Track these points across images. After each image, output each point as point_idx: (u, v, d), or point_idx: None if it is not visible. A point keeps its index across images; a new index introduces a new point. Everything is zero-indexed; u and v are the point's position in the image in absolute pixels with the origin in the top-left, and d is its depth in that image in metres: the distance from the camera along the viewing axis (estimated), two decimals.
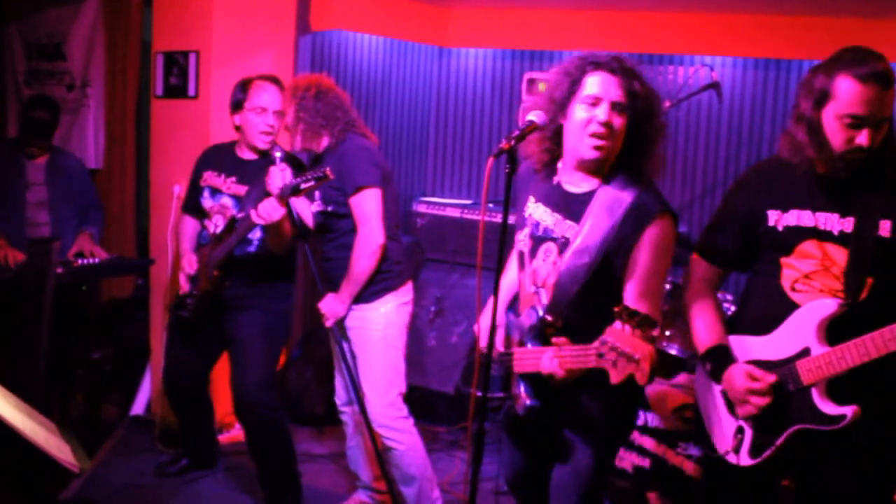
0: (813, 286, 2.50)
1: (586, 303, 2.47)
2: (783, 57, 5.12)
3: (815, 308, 2.46)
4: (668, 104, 4.87)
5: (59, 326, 4.14)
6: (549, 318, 2.49)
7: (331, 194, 3.59)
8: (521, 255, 2.69)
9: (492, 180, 5.31)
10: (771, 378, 2.48)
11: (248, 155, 3.94)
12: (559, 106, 2.52)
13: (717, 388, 2.67)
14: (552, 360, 2.36)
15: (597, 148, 2.46)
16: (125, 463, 4.41)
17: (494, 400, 2.89)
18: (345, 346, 3.73)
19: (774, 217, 2.57)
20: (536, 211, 2.64)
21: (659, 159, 2.55)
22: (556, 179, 2.63)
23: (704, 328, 2.70)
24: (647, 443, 3.93)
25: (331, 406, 4.11)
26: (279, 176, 3.44)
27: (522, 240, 2.67)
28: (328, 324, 3.64)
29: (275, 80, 3.89)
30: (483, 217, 2.51)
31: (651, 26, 5.31)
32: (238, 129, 3.91)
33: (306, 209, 3.70)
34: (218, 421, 4.53)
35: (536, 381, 2.54)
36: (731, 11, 5.08)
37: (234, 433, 4.70)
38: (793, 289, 2.54)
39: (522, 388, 2.56)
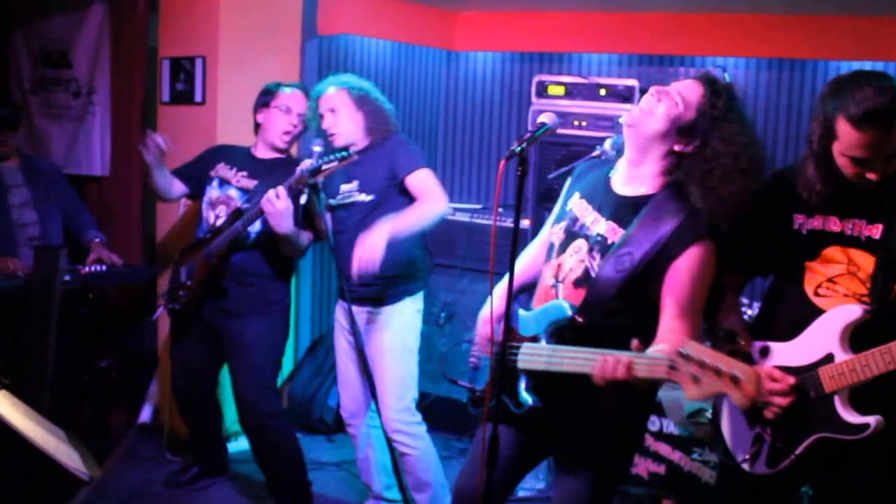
0: (837, 291, 2.45)
1: (616, 311, 2.41)
2: (797, 57, 5.06)
3: (839, 314, 2.40)
4: None
5: (66, 334, 4.12)
6: (579, 319, 2.42)
7: (374, 183, 3.58)
8: (551, 246, 2.63)
9: (502, 184, 5.27)
10: (791, 379, 2.40)
11: (263, 154, 3.93)
12: None
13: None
14: (620, 363, 2.19)
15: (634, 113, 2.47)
16: (134, 471, 4.38)
17: (477, 391, 2.80)
18: (350, 349, 3.69)
19: (799, 221, 2.51)
20: (578, 207, 2.58)
21: (723, 202, 2.39)
22: (607, 179, 2.58)
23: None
24: (663, 449, 3.90)
25: (339, 413, 4.08)
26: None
27: (557, 232, 2.61)
28: (358, 270, 3.32)
29: (303, 89, 3.94)
30: (495, 221, 2.49)
31: (662, 28, 5.27)
32: (258, 127, 3.93)
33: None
34: (227, 429, 4.49)
35: (541, 380, 2.47)
36: (742, 11, 5.04)
37: (244, 441, 4.67)
38: (816, 293, 2.48)
39: (523, 386, 2.48)
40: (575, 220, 2.57)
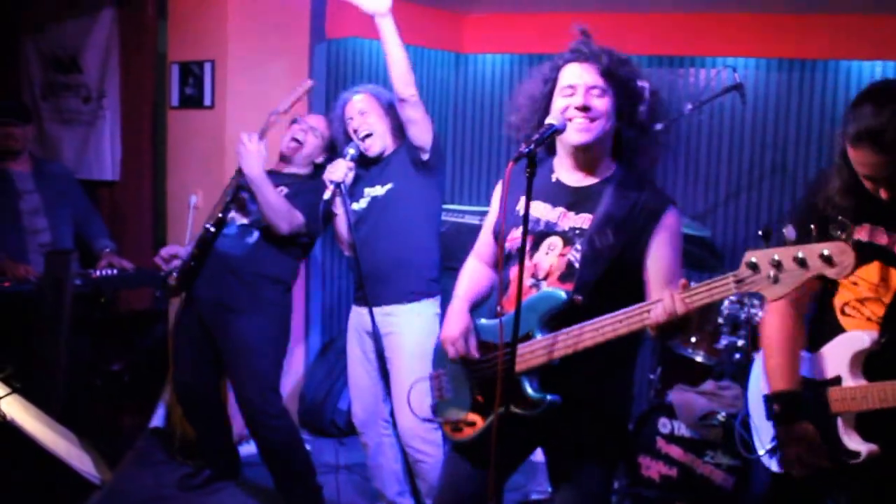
0: (862, 313, 2.39)
1: (609, 285, 2.41)
2: (808, 57, 5.04)
3: (849, 340, 2.38)
4: (690, 107, 4.82)
5: (78, 338, 4.13)
6: (578, 297, 2.40)
7: (399, 170, 3.61)
8: (509, 253, 2.60)
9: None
10: (823, 462, 2.34)
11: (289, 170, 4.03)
12: (542, 105, 2.55)
13: (761, 392, 2.58)
14: (674, 299, 2.17)
15: (581, 130, 2.46)
16: (145, 475, 4.38)
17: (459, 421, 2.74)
18: (371, 354, 3.69)
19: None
20: (535, 208, 2.56)
21: (658, 148, 2.59)
22: (553, 177, 2.61)
23: (782, 362, 2.47)
24: (675, 452, 3.88)
25: (350, 416, 4.07)
26: (340, 168, 3.53)
27: (515, 238, 2.58)
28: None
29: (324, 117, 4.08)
30: (503, 223, 2.47)
31: (672, 28, 5.25)
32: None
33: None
34: (238, 432, 4.49)
35: (546, 375, 2.44)
36: (753, 11, 5.01)
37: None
38: (842, 311, 2.43)
39: (530, 388, 2.45)
40: (536, 221, 2.56)
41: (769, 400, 2.47)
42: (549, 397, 2.42)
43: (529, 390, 2.43)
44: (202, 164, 4.46)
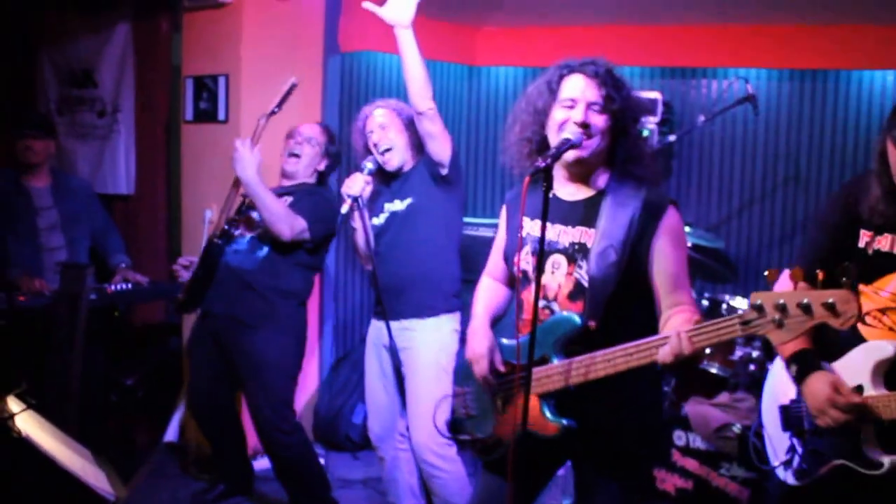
0: (884, 323, 2.37)
1: (621, 304, 2.40)
2: (820, 67, 5.02)
3: (871, 349, 2.35)
4: (702, 119, 4.82)
5: (92, 352, 4.13)
6: (592, 323, 2.40)
7: (419, 185, 3.61)
8: (524, 273, 2.59)
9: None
10: (855, 398, 2.29)
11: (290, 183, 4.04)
12: (542, 115, 2.53)
13: (777, 402, 2.56)
14: (681, 339, 2.17)
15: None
16: (160, 490, 4.38)
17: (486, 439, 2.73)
18: (388, 369, 3.69)
19: (866, 238, 2.42)
20: (535, 228, 2.56)
21: (656, 162, 2.58)
22: (551, 193, 2.55)
23: None
24: (690, 464, 3.86)
25: (365, 430, 4.06)
26: (358, 182, 3.52)
27: (524, 258, 2.58)
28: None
29: (317, 125, 4.10)
30: (521, 236, 2.47)
31: (683, 39, 5.24)
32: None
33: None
34: (252, 447, 4.49)
35: (562, 400, 2.43)
36: (765, 22, 5.00)
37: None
38: (863, 321, 2.41)
39: (548, 411, 2.45)
40: (537, 240, 2.52)
41: (788, 362, 2.48)
42: (565, 422, 2.41)
43: (547, 414, 2.44)
44: (216, 178, 4.47)
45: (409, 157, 3.69)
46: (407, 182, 3.67)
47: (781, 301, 1.98)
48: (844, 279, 1.98)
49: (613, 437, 2.49)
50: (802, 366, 2.45)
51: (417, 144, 3.64)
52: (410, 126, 3.64)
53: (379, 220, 3.68)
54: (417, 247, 3.61)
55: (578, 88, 2.47)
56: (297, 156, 3.98)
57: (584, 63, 2.51)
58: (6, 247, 4.50)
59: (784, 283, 2.56)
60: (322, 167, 4.04)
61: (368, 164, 3.60)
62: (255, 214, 3.86)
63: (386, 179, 3.73)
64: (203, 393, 4.08)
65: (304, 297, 4.03)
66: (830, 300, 1.93)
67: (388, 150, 3.66)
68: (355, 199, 3.52)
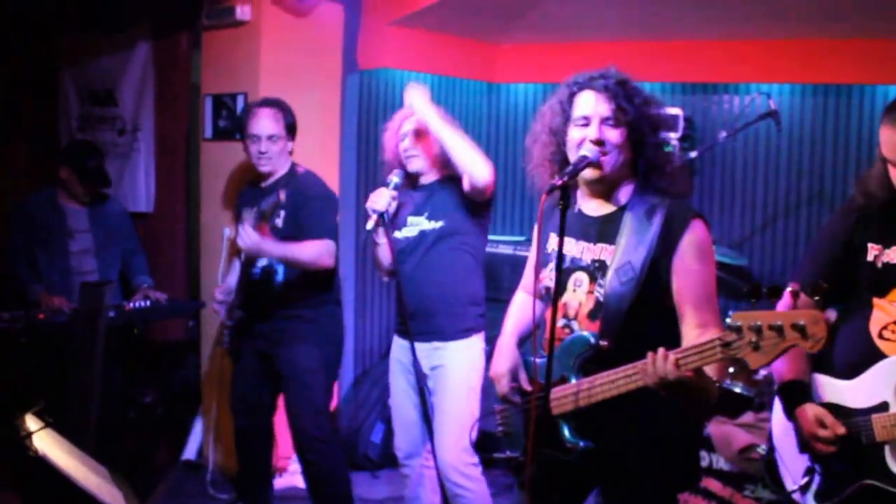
0: None
1: (638, 322, 2.35)
2: (843, 82, 4.98)
3: (893, 365, 2.31)
4: (724, 135, 4.78)
5: (111, 370, 4.13)
6: (605, 343, 2.36)
7: (445, 210, 3.56)
8: (547, 290, 2.56)
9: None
10: (840, 430, 2.31)
11: (264, 182, 4.04)
12: (560, 136, 2.51)
13: (792, 424, 2.52)
14: (664, 360, 2.14)
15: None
16: None
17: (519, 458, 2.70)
18: (409, 389, 3.66)
19: (874, 252, 2.40)
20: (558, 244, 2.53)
21: (680, 174, 2.50)
22: (576, 208, 2.56)
23: (785, 360, 2.46)
24: (714, 486, 3.80)
25: (385, 449, 4.04)
26: (384, 197, 3.48)
27: (549, 275, 2.54)
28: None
29: (271, 104, 4.00)
30: (538, 254, 2.44)
31: (705, 55, 5.22)
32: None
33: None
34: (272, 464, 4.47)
35: (581, 420, 2.40)
36: (787, 37, 4.97)
37: (288, 477, 4.64)
38: (880, 335, 2.37)
39: (567, 432, 2.41)
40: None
41: (777, 393, 2.49)
42: (581, 443, 2.39)
43: (566, 434, 2.41)
44: (236, 196, 4.47)
45: (432, 168, 3.64)
46: (436, 200, 3.61)
47: (757, 323, 1.95)
48: (816, 298, 1.96)
49: (634, 459, 2.44)
50: (788, 403, 2.46)
51: (445, 161, 3.60)
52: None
53: (402, 234, 3.64)
54: (447, 270, 3.57)
55: (590, 105, 2.44)
56: (265, 153, 3.93)
57: (593, 78, 2.47)
58: (37, 266, 4.52)
59: (786, 301, 2.54)
60: (290, 147, 4.03)
61: (395, 178, 3.54)
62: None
63: (411, 182, 3.68)
64: (249, 410, 4.07)
65: (337, 294, 4.04)
66: (801, 322, 1.90)
67: (413, 155, 3.62)
68: (381, 215, 3.48)
